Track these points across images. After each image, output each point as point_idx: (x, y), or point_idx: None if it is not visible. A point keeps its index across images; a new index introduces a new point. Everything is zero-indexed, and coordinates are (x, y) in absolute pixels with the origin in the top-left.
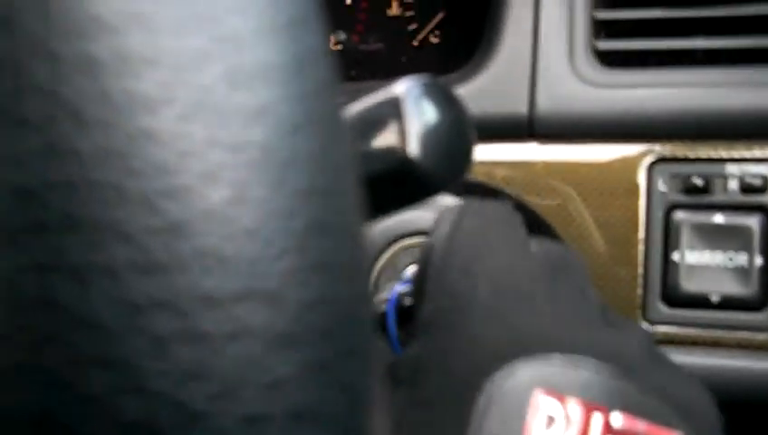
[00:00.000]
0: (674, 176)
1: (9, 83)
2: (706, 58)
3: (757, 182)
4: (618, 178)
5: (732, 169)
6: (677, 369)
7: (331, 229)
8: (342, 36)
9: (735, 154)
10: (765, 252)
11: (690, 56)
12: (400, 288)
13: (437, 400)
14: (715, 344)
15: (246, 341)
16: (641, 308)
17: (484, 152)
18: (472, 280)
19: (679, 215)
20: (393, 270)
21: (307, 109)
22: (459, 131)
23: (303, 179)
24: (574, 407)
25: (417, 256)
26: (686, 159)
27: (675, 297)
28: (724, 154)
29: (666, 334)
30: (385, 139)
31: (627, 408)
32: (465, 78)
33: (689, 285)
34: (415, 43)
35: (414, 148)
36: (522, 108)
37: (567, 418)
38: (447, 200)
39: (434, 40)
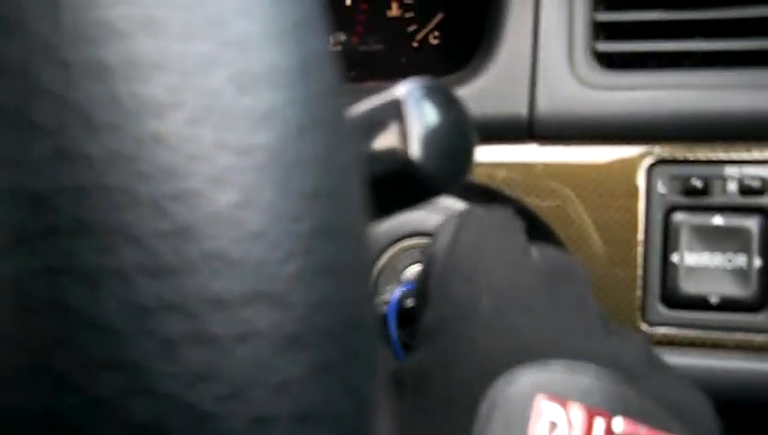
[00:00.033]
0: (673, 178)
1: (20, 88)
2: (705, 60)
3: (756, 184)
4: (617, 179)
5: (731, 170)
6: (675, 374)
7: (337, 232)
8: (342, 37)
9: (734, 156)
10: (764, 253)
11: (689, 58)
12: (400, 292)
13: (441, 406)
14: (714, 346)
15: (254, 343)
16: (640, 310)
17: (484, 154)
18: (474, 288)
19: (678, 216)
20: (393, 271)
21: (313, 111)
22: (460, 133)
23: (309, 182)
24: (576, 412)
25: (417, 258)
26: (685, 161)
27: (674, 299)
28: (723, 156)
29: (665, 336)
30: (386, 140)
31: (627, 413)
32: (464, 79)
33: (688, 286)
34: (414, 45)
35: (415, 150)
36: (521, 109)
37: (569, 423)
38: (449, 202)
39: (433, 41)
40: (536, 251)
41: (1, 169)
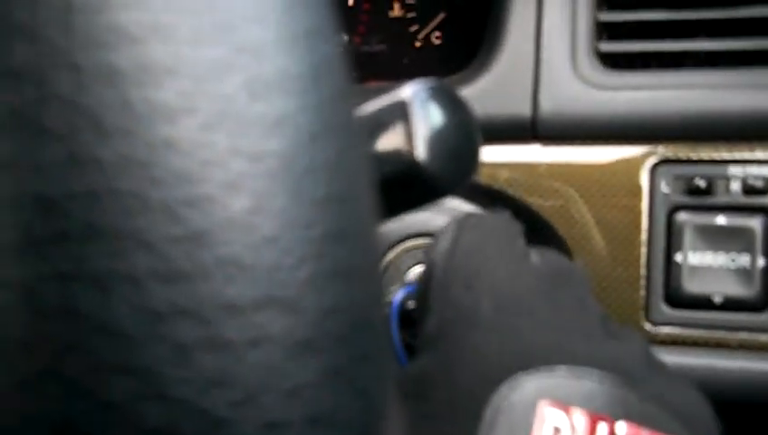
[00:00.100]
0: (677, 177)
1: (31, 93)
2: (709, 60)
3: (759, 184)
4: (620, 179)
5: (734, 170)
6: (676, 376)
7: (348, 236)
8: (344, 38)
9: (738, 156)
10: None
11: (692, 58)
12: (402, 294)
13: (444, 412)
14: (717, 345)
15: (267, 348)
16: (644, 309)
17: (486, 154)
18: (474, 294)
19: (682, 216)
20: (396, 272)
21: (324, 117)
22: (466, 135)
23: (321, 188)
24: (579, 418)
25: (420, 258)
26: (688, 161)
27: (677, 298)
28: (726, 156)
29: (668, 335)
30: (392, 142)
31: (629, 417)
32: (467, 79)
33: (692, 286)
34: (417, 45)
35: (421, 151)
36: (524, 110)
37: (573, 428)
38: (453, 203)
39: (436, 41)
40: (536, 254)
41: (12, 173)
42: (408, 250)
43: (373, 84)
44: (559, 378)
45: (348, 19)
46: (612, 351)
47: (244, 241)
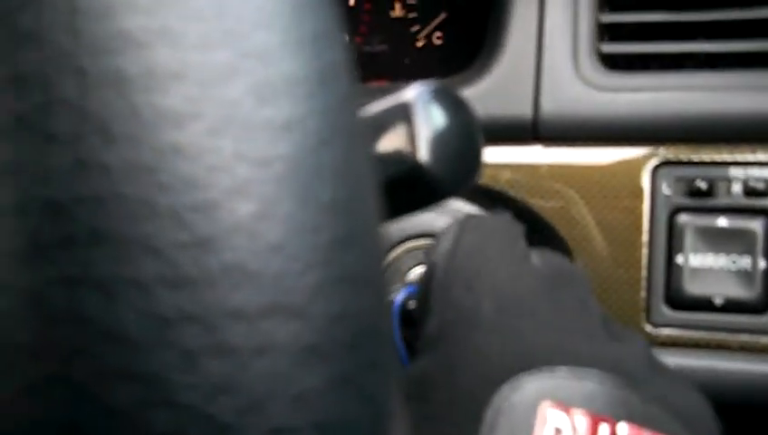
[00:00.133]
0: (678, 179)
1: (38, 98)
2: (709, 62)
3: (760, 186)
4: (622, 181)
5: (736, 172)
6: (677, 377)
7: (354, 242)
8: (346, 38)
9: (739, 158)
10: None
11: (694, 59)
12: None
13: (445, 414)
14: (718, 347)
15: (273, 354)
16: (645, 311)
17: (488, 155)
18: (475, 295)
19: (683, 218)
20: (397, 272)
21: (331, 122)
22: (469, 137)
23: (327, 193)
24: (580, 419)
25: (421, 259)
26: (689, 163)
27: (678, 300)
28: (727, 158)
29: (669, 337)
30: (395, 144)
31: (631, 418)
32: (468, 80)
33: (693, 287)
34: (418, 45)
35: (424, 153)
36: (526, 111)
37: (574, 429)
38: (454, 204)
39: (437, 41)
40: (537, 256)
41: (18, 178)
42: (409, 251)
43: (374, 84)
44: (560, 379)
45: (349, 19)
46: (614, 352)
47: (250, 247)
